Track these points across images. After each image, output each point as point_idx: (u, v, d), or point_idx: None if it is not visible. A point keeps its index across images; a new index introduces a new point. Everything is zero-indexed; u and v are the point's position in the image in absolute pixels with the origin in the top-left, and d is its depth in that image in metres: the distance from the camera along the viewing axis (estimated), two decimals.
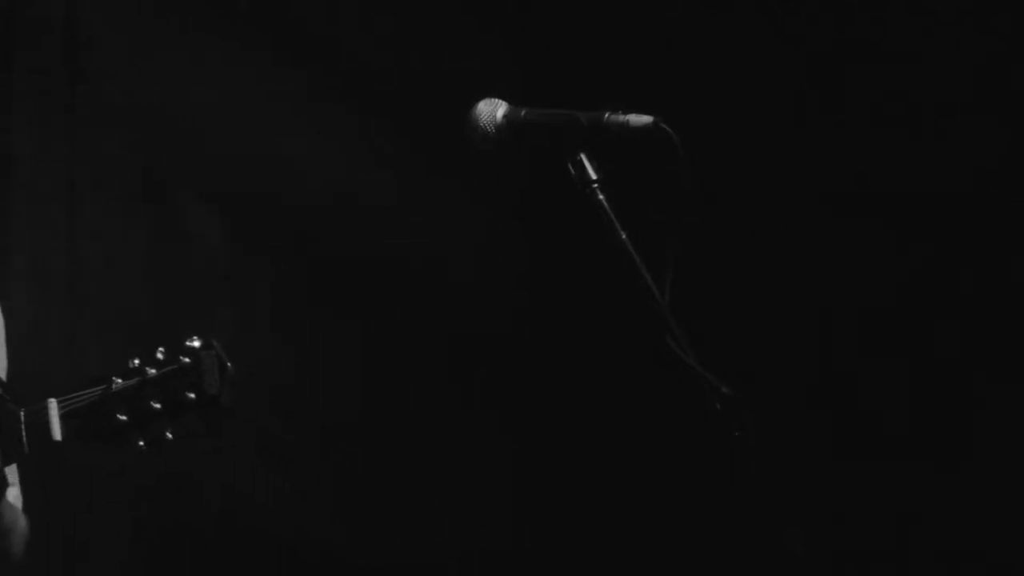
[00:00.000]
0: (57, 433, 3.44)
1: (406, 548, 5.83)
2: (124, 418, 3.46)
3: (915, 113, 5.59)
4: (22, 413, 3.45)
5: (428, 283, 5.88)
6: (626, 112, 3.44)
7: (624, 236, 3.39)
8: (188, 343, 3.48)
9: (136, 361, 3.48)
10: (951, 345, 5.58)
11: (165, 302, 5.49)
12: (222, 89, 5.55)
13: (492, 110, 3.55)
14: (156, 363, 3.48)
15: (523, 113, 3.54)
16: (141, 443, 3.47)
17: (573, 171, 3.45)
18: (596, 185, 3.43)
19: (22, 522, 3.60)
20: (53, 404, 3.45)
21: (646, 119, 3.43)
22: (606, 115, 3.45)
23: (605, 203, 3.41)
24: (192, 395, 3.46)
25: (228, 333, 5.39)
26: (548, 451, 6.01)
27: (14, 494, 3.55)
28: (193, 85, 5.52)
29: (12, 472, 3.53)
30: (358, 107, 5.78)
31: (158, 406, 3.46)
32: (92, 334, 5.33)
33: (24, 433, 3.44)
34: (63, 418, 3.45)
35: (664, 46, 5.79)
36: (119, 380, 3.47)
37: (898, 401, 5.62)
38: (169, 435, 3.46)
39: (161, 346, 3.49)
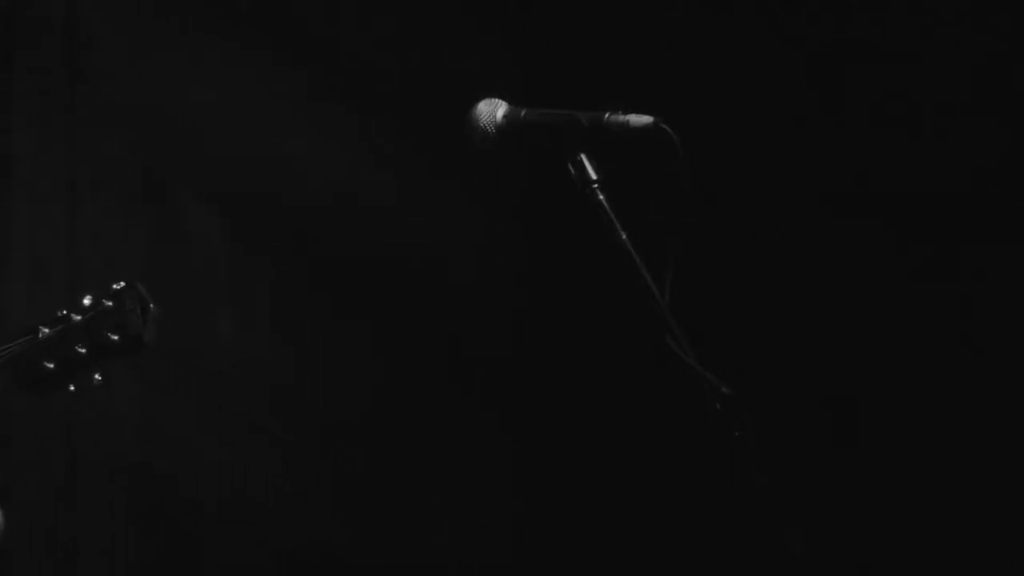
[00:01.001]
0: None
1: (406, 548, 5.83)
2: (51, 365, 3.52)
3: (915, 113, 5.59)
4: None
5: (428, 283, 5.88)
6: (626, 112, 3.44)
7: (624, 236, 3.39)
8: (111, 287, 3.54)
9: (64, 311, 3.54)
10: (951, 345, 5.58)
11: (165, 302, 5.48)
12: (222, 89, 5.55)
13: (492, 110, 3.55)
14: (81, 309, 3.53)
15: (523, 113, 3.55)
16: (72, 388, 3.53)
17: (573, 171, 3.46)
18: (596, 185, 3.43)
19: None
20: None
21: (646, 119, 3.43)
22: (606, 115, 3.45)
23: (605, 203, 3.42)
24: (115, 337, 3.52)
25: (228, 333, 5.39)
26: (548, 451, 6.01)
27: None
28: (193, 85, 5.52)
29: None
30: (358, 107, 5.78)
31: (83, 351, 3.52)
32: None
33: None
34: None
35: (664, 46, 5.79)
36: (45, 329, 3.53)
37: (898, 401, 5.62)
38: (98, 377, 3.52)
39: (88, 294, 3.55)
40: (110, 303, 3.53)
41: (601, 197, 3.42)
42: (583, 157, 3.46)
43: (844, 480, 5.62)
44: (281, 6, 5.67)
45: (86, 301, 3.55)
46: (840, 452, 5.63)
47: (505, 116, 3.55)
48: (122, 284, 3.55)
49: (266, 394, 5.56)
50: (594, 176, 3.44)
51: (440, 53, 5.86)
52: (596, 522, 5.94)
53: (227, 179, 5.58)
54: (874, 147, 5.65)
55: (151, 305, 3.55)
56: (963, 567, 5.53)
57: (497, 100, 3.57)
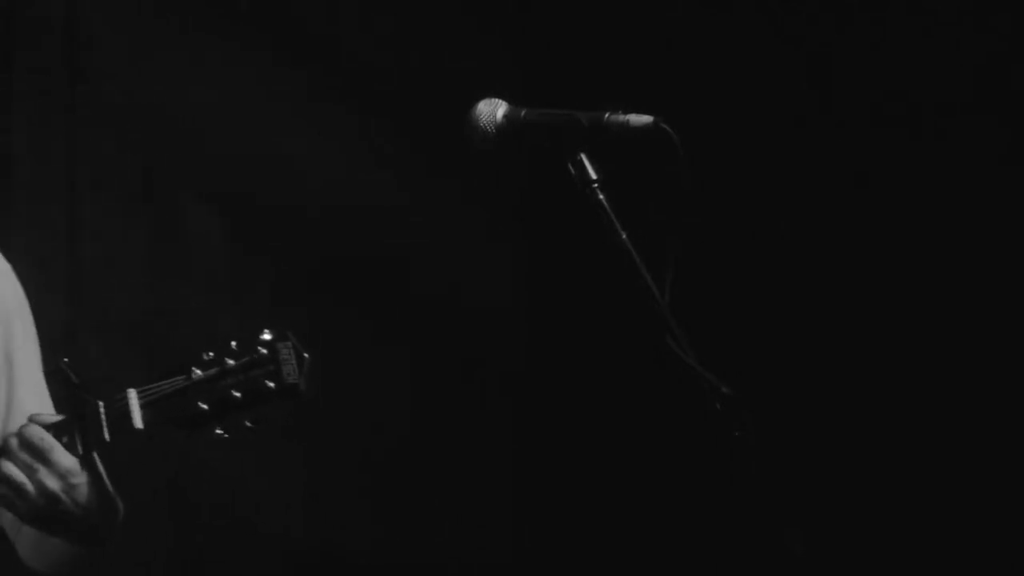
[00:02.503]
0: (138, 421, 3.55)
1: (406, 548, 5.83)
2: (204, 407, 3.57)
3: (915, 113, 5.59)
4: (101, 404, 3.56)
5: (428, 283, 5.88)
6: (626, 112, 3.44)
7: (624, 236, 3.39)
8: (262, 336, 3.59)
9: (211, 353, 3.59)
10: (952, 345, 5.58)
11: (165, 302, 5.49)
12: (222, 89, 5.55)
13: (492, 110, 3.55)
14: (233, 354, 3.58)
15: (523, 113, 3.54)
16: (219, 431, 3.58)
17: (573, 171, 3.46)
18: (596, 185, 3.43)
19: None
20: (133, 394, 3.56)
21: (646, 119, 3.43)
22: (606, 115, 3.45)
23: (605, 203, 3.42)
24: (272, 384, 3.57)
25: (228, 333, 5.39)
26: (548, 450, 6.01)
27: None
28: (193, 85, 5.52)
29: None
30: (358, 107, 5.78)
31: (238, 395, 3.57)
32: (92, 334, 5.34)
33: (105, 422, 3.55)
34: (143, 407, 3.56)
35: (664, 46, 5.79)
36: (198, 371, 3.57)
37: (899, 401, 5.62)
38: (248, 423, 3.57)
39: (233, 340, 3.60)
40: (264, 350, 3.59)
41: (601, 197, 3.42)
42: (583, 157, 3.45)
43: (844, 480, 5.62)
44: (281, 6, 5.67)
45: (233, 346, 3.60)
46: (840, 452, 5.63)
47: (505, 116, 3.55)
48: (271, 334, 3.60)
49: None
50: (594, 176, 3.44)
51: (440, 53, 5.86)
52: (596, 522, 5.93)
53: (227, 179, 5.58)
54: (874, 147, 5.65)
55: (305, 355, 3.60)
56: (963, 567, 5.53)
57: (497, 100, 3.57)
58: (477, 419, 5.98)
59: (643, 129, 3.43)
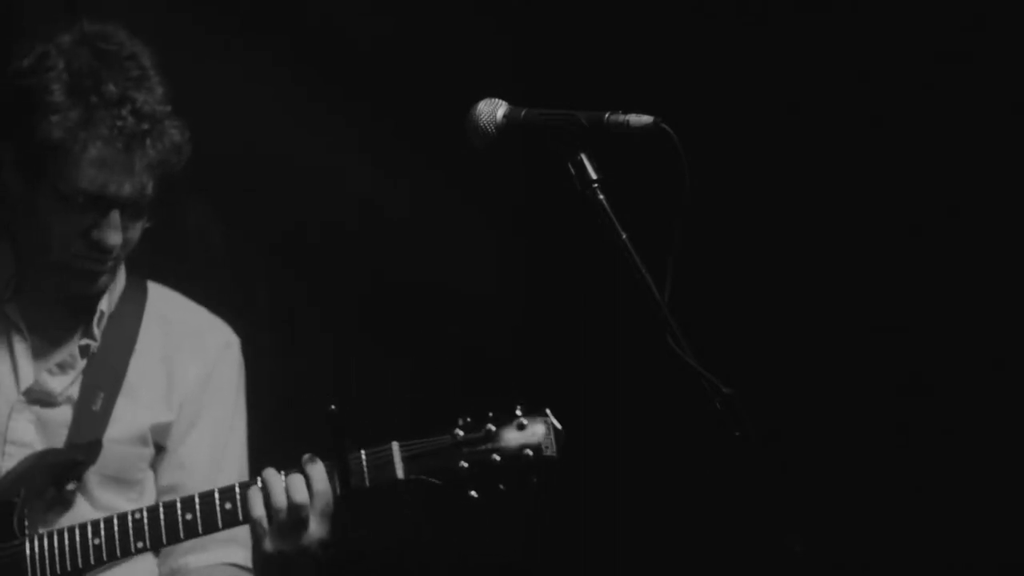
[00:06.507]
0: (400, 472, 3.91)
1: (406, 548, 5.83)
2: (465, 465, 3.89)
3: (918, 113, 5.59)
4: (363, 452, 3.91)
5: (427, 283, 5.88)
6: (626, 112, 3.45)
7: (624, 236, 3.39)
8: (517, 411, 3.95)
9: (469, 418, 3.94)
10: (952, 344, 5.58)
11: None
12: (222, 89, 5.55)
13: (492, 110, 3.56)
14: (492, 421, 3.93)
15: (523, 113, 3.55)
16: (473, 492, 3.91)
17: (573, 171, 3.46)
18: (596, 185, 3.44)
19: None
20: (396, 446, 3.92)
21: (646, 119, 3.44)
22: (606, 115, 3.46)
23: (605, 203, 3.42)
24: (530, 453, 3.91)
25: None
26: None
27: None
28: (194, 85, 5.52)
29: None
30: (358, 107, 5.78)
31: (498, 459, 3.90)
32: None
33: (366, 469, 3.90)
34: (404, 460, 3.91)
35: (664, 46, 5.79)
36: (460, 432, 3.92)
37: (899, 400, 5.63)
38: (501, 487, 3.90)
39: (491, 411, 3.95)
40: (523, 420, 3.93)
41: (601, 197, 3.43)
42: (583, 157, 3.46)
43: (844, 480, 5.62)
44: (281, 6, 5.67)
45: (491, 414, 3.93)
46: (840, 452, 5.63)
47: (505, 116, 3.55)
48: (523, 410, 3.97)
49: (266, 395, 5.55)
50: (594, 176, 3.44)
51: (440, 53, 5.86)
52: (596, 522, 5.93)
53: (227, 179, 5.58)
54: (874, 147, 5.65)
55: (560, 428, 3.95)
56: (963, 567, 5.54)
57: (497, 100, 3.57)
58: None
59: (643, 129, 3.43)
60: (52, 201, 3.96)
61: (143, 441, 4.15)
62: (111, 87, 3.97)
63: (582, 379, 5.92)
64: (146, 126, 3.99)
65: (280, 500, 3.87)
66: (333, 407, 3.84)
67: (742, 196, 5.69)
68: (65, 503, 4.03)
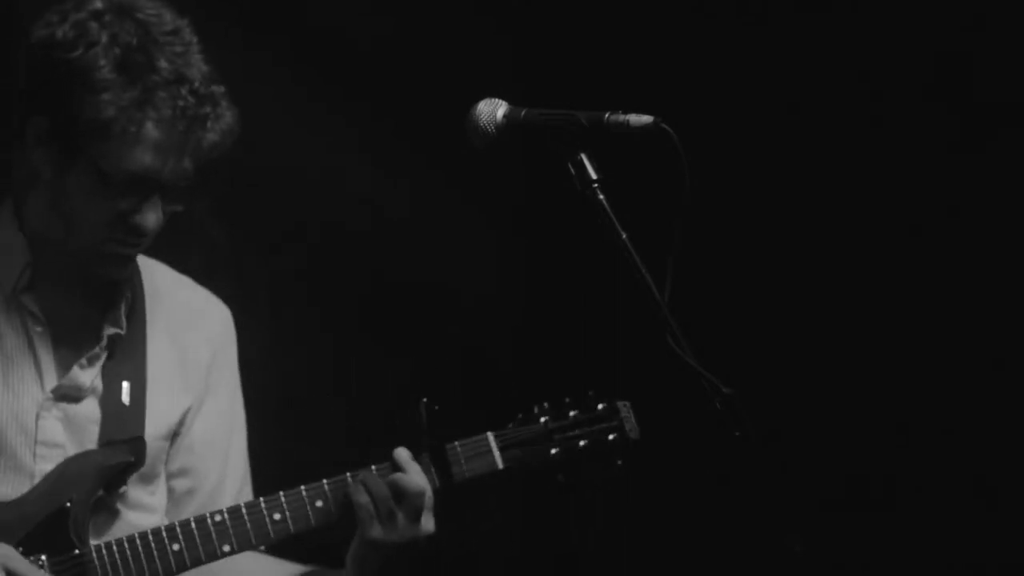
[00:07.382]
0: (499, 462, 3.95)
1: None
2: (556, 452, 3.96)
3: (918, 113, 5.59)
4: (457, 443, 3.97)
5: (427, 283, 5.88)
6: (626, 112, 3.45)
7: (624, 236, 3.39)
8: (590, 395, 4.05)
9: (546, 404, 4.01)
10: (952, 344, 5.58)
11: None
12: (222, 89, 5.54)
13: (492, 110, 3.56)
14: (572, 407, 4.03)
15: (523, 113, 3.55)
16: (560, 477, 3.97)
17: (573, 171, 3.46)
18: (596, 185, 3.44)
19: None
20: (491, 436, 3.98)
21: (646, 119, 3.44)
22: (606, 115, 3.46)
23: (605, 203, 3.42)
24: (614, 437, 4.03)
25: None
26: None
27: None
28: None
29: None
30: (358, 107, 5.78)
31: (584, 443, 3.98)
32: None
33: (463, 461, 3.97)
34: (501, 449, 3.96)
35: (664, 46, 5.79)
36: (547, 419, 3.99)
37: (898, 400, 5.63)
38: (587, 472, 3.98)
39: (567, 397, 4.02)
40: (603, 406, 4.05)
41: (601, 197, 3.43)
42: (583, 157, 3.46)
43: (844, 480, 5.62)
44: (281, 6, 5.67)
45: (567, 400, 4.02)
46: (840, 452, 5.63)
47: (505, 116, 3.55)
48: (603, 398, 4.07)
49: (267, 395, 5.55)
50: (594, 176, 3.45)
51: (440, 53, 5.86)
52: (595, 521, 5.93)
53: (227, 179, 5.58)
54: (875, 147, 5.65)
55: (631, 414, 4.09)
56: (963, 567, 5.54)
57: (497, 100, 3.58)
58: (476, 418, 5.97)
59: (643, 129, 3.43)
60: (90, 181, 3.73)
61: (172, 432, 3.99)
62: (164, 63, 3.76)
63: (582, 379, 5.92)
64: (207, 108, 3.82)
65: (382, 492, 3.88)
66: (425, 400, 3.87)
67: (742, 196, 5.69)
68: (111, 508, 3.85)
